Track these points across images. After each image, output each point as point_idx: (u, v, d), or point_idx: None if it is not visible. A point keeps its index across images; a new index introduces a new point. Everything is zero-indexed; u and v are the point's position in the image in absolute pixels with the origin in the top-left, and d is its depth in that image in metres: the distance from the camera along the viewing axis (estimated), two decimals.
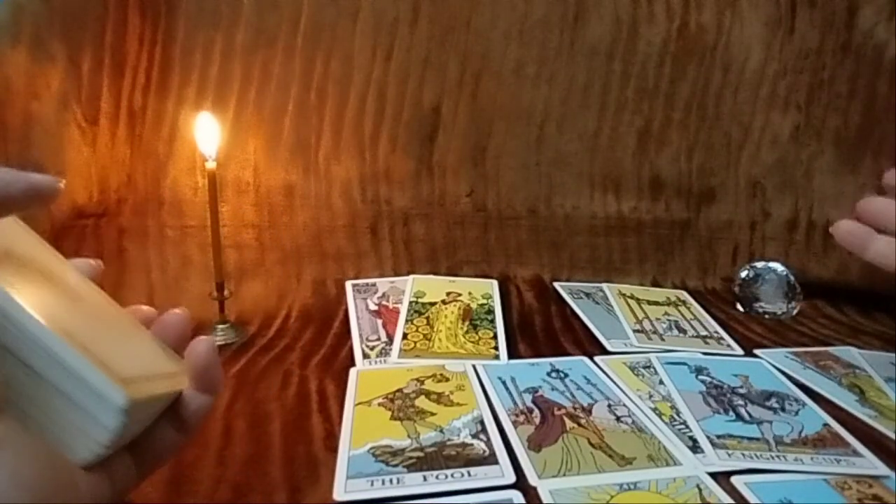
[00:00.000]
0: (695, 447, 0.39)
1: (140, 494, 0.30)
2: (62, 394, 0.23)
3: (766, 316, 0.65)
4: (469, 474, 0.35)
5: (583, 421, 0.42)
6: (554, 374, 0.48)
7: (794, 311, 0.65)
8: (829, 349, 0.56)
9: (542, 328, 0.58)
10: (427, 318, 0.57)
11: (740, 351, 0.55)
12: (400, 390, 0.44)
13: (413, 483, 0.34)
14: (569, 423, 0.41)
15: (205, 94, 0.63)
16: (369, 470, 0.35)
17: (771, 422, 0.43)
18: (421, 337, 0.53)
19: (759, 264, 0.68)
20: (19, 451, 0.20)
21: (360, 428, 0.40)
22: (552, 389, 0.46)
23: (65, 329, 0.23)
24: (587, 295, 0.66)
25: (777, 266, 0.67)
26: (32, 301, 0.23)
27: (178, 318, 0.31)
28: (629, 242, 0.72)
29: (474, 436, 0.39)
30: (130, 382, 0.24)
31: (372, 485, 0.34)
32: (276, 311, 0.60)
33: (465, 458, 0.37)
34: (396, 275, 0.66)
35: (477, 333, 0.54)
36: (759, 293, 0.66)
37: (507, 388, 0.45)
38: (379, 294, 0.62)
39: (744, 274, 0.68)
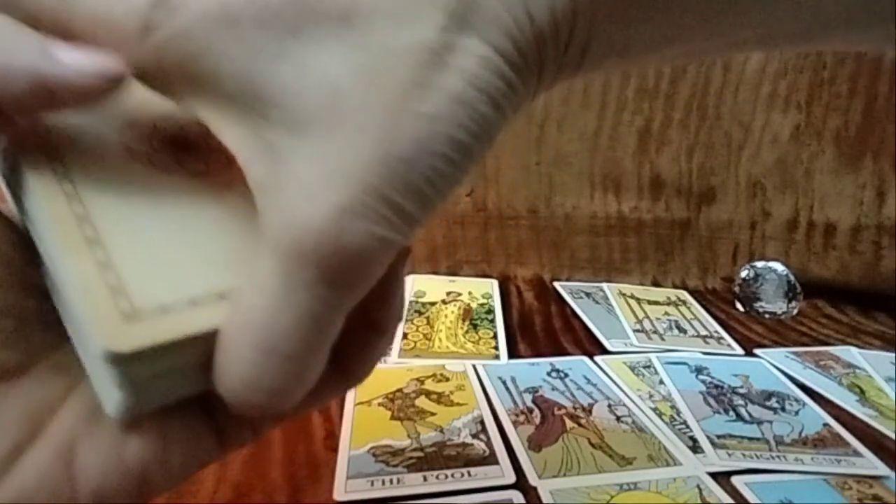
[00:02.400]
0: (695, 447, 0.39)
1: None
2: (72, 314, 0.18)
3: (766, 316, 0.65)
4: (469, 474, 0.35)
5: (583, 421, 0.42)
6: (554, 374, 0.48)
7: (794, 311, 0.65)
8: (829, 349, 0.56)
9: (542, 328, 0.58)
10: (427, 317, 0.57)
11: (740, 351, 0.55)
12: (400, 390, 0.44)
13: (413, 483, 0.34)
14: (569, 423, 0.41)
15: None
16: (369, 470, 0.35)
17: (771, 422, 0.43)
18: (421, 337, 0.53)
19: (760, 264, 0.68)
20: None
21: (360, 428, 0.40)
22: (552, 389, 0.46)
23: (96, 227, 0.18)
24: (587, 295, 0.66)
25: (777, 266, 0.67)
26: (80, 179, 0.18)
27: None
28: (629, 242, 0.72)
29: (474, 436, 0.39)
30: (147, 318, 0.17)
31: (372, 485, 0.34)
32: None
33: (465, 458, 0.37)
34: None
35: (477, 333, 0.54)
36: (760, 293, 0.66)
37: (507, 388, 0.45)
38: None
39: (744, 274, 0.68)
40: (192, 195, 0.21)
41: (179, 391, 0.20)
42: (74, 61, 0.16)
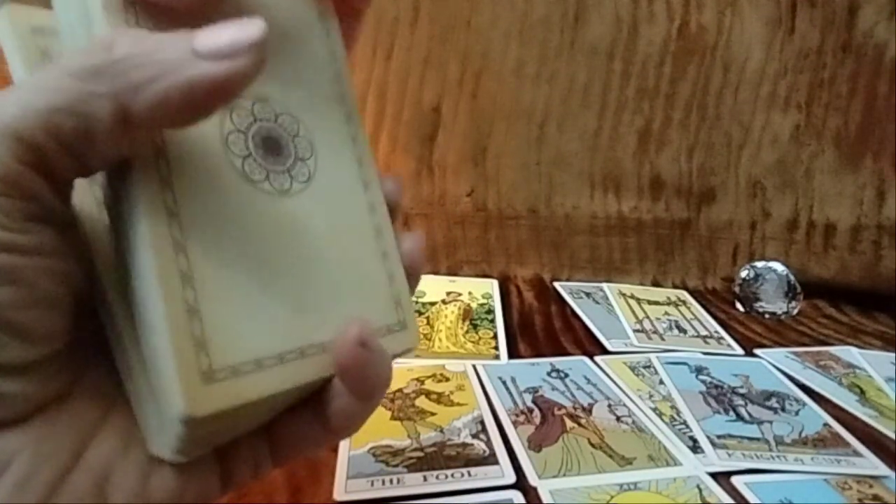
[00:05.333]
0: (695, 447, 0.39)
1: None
2: (145, 359, 0.17)
3: (766, 316, 0.65)
4: (469, 474, 0.35)
5: (583, 421, 0.42)
6: (554, 374, 0.48)
7: (794, 311, 0.65)
8: (829, 349, 0.56)
9: (542, 328, 0.58)
10: (427, 318, 0.57)
11: (740, 351, 0.55)
12: (400, 390, 0.44)
13: (413, 483, 0.34)
14: (569, 423, 0.41)
15: None
16: (369, 470, 0.35)
17: (771, 422, 0.43)
18: (421, 337, 0.53)
19: (760, 264, 0.68)
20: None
21: (361, 428, 0.40)
22: (552, 389, 0.46)
23: (191, 263, 0.17)
24: (587, 295, 0.66)
25: (777, 266, 0.67)
26: (186, 199, 0.17)
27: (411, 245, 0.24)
28: (629, 242, 0.72)
29: (474, 436, 0.39)
30: (223, 379, 0.17)
31: (372, 485, 0.34)
32: None
33: (466, 458, 0.37)
34: None
35: (477, 333, 0.54)
36: (760, 293, 0.66)
37: (507, 388, 0.45)
38: None
39: (744, 274, 0.68)
40: (278, 221, 0.20)
41: (232, 436, 0.20)
42: (214, 48, 0.15)
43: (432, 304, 0.59)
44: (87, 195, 0.19)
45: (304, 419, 0.21)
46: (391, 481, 0.34)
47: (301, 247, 0.20)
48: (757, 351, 0.55)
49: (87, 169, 0.16)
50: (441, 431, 0.40)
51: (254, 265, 0.19)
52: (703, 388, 0.47)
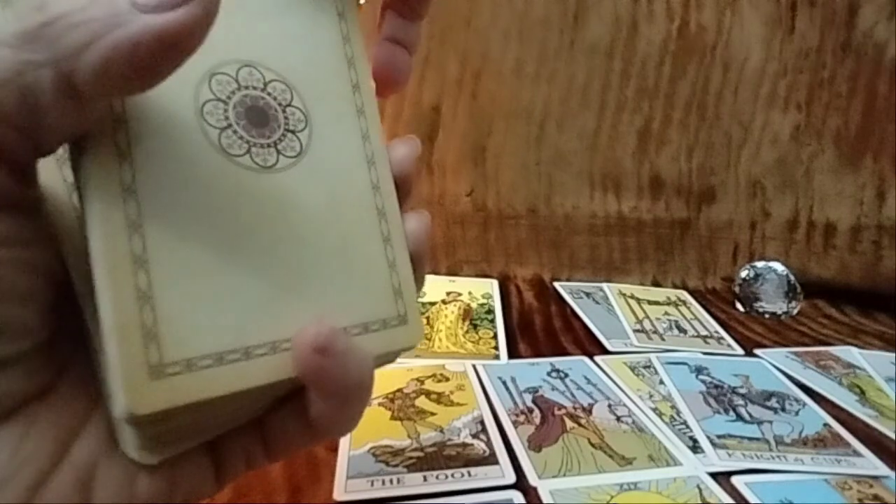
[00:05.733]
0: (695, 447, 0.39)
1: None
2: (100, 344, 0.16)
3: (766, 316, 0.64)
4: (469, 474, 0.35)
5: (583, 421, 0.42)
6: (554, 374, 0.48)
7: (794, 311, 0.65)
8: (829, 349, 0.56)
9: (542, 328, 0.58)
10: (427, 317, 0.57)
11: (740, 351, 0.55)
12: (400, 390, 0.44)
13: (413, 483, 0.34)
14: (569, 423, 0.41)
15: None
16: (369, 470, 0.35)
17: (771, 422, 0.43)
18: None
19: (760, 264, 0.68)
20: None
21: (360, 428, 0.39)
22: (552, 389, 0.46)
23: (146, 247, 0.15)
24: (587, 295, 0.66)
25: (777, 266, 0.67)
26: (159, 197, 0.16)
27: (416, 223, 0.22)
28: (629, 242, 0.72)
29: (474, 436, 0.39)
30: (174, 374, 0.15)
31: (372, 485, 0.34)
32: None
33: (466, 458, 0.37)
34: None
35: (477, 333, 0.54)
36: (760, 293, 0.66)
37: (507, 388, 0.45)
38: None
39: (744, 274, 0.68)
40: (258, 199, 0.18)
41: (214, 433, 0.19)
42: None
43: (432, 304, 0.59)
44: (55, 177, 0.17)
45: (292, 417, 0.20)
46: (391, 481, 0.34)
47: (283, 229, 0.18)
48: (757, 351, 0.55)
49: (43, 147, 0.15)
50: (441, 431, 0.39)
51: (223, 249, 0.17)
52: (703, 388, 0.47)
